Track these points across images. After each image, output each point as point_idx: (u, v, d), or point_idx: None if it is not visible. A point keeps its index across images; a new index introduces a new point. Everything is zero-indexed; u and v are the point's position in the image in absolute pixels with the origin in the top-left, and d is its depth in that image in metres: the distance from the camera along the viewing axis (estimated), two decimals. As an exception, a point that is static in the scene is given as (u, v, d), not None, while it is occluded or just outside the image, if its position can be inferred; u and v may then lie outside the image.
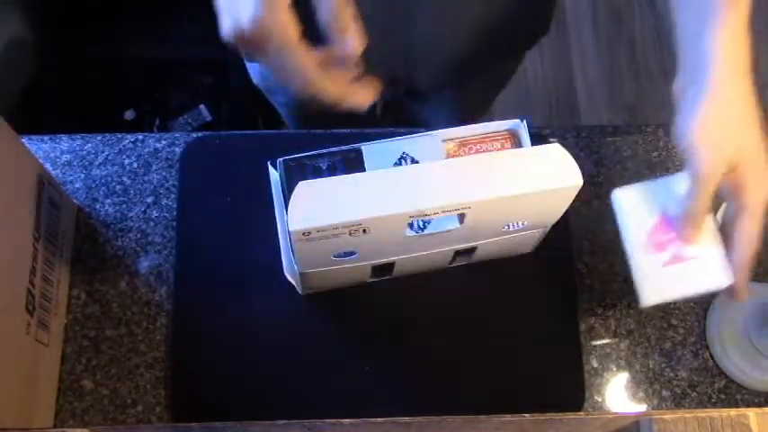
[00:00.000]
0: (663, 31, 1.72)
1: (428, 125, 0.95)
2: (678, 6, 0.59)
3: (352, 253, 0.57)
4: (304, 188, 0.50)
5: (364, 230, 0.52)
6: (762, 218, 0.57)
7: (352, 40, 0.45)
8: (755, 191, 0.56)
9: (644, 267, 0.60)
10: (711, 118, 0.56)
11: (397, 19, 0.72)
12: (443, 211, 0.52)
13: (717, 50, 0.56)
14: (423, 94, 0.94)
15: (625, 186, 0.62)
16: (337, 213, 0.50)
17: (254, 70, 0.92)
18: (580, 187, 0.53)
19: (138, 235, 0.70)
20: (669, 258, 0.60)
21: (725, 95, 0.56)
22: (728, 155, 0.56)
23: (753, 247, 0.57)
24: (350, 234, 0.52)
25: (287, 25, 0.44)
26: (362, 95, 0.48)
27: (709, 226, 0.60)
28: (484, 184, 0.52)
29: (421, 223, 0.57)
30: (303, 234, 0.50)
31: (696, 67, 0.57)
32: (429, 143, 0.60)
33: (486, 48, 0.79)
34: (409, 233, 0.56)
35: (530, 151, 0.54)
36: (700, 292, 0.60)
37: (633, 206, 0.61)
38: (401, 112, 1.07)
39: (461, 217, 0.55)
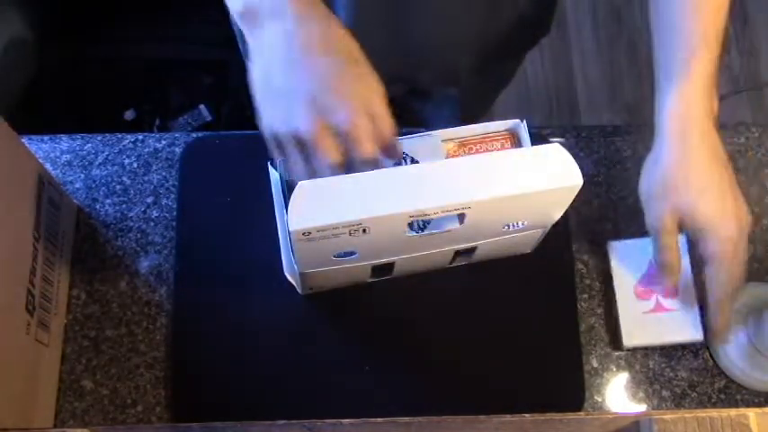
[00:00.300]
0: (663, 31, 1.72)
1: (429, 124, 0.95)
2: (655, 65, 0.63)
3: (352, 253, 0.57)
4: (304, 188, 0.50)
5: (364, 230, 0.52)
6: (728, 263, 0.61)
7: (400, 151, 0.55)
8: (714, 242, 0.60)
9: (628, 312, 0.67)
10: (663, 177, 0.61)
11: (399, 18, 0.72)
12: (443, 211, 0.52)
13: (671, 117, 0.61)
14: (425, 92, 0.94)
15: (619, 240, 0.70)
16: (337, 213, 0.50)
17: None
18: (580, 187, 0.53)
19: (138, 235, 0.70)
20: (652, 307, 0.67)
21: (678, 157, 0.61)
22: (679, 210, 0.60)
23: (724, 293, 0.62)
24: (350, 234, 0.52)
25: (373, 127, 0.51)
26: None
27: (690, 280, 0.67)
28: (484, 184, 0.52)
29: (421, 223, 0.57)
30: (303, 234, 0.50)
31: (658, 129, 0.62)
32: (429, 143, 0.60)
33: (487, 48, 0.79)
34: (409, 233, 0.56)
35: (530, 151, 0.54)
36: (676, 342, 0.68)
37: (624, 256, 0.69)
38: (402, 112, 1.07)
39: (461, 217, 0.55)
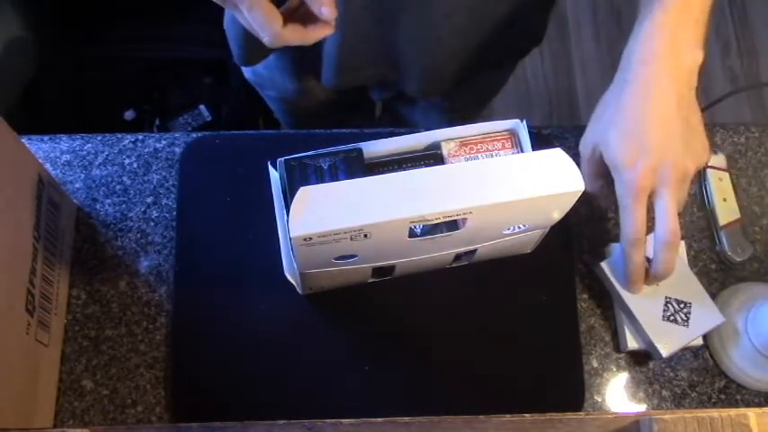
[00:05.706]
0: (663, 31, 1.72)
1: (418, 128, 0.95)
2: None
3: (353, 256, 0.57)
4: (305, 193, 0.50)
5: (365, 235, 0.51)
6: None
7: (328, 11, 0.51)
8: (670, 200, 0.57)
9: (627, 316, 0.67)
10: (625, 132, 0.58)
11: (383, 23, 0.72)
12: (445, 217, 0.52)
13: (642, 54, 0.59)
14: (412, 99, 0.94)
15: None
16: (339, 219, 0.49)
17: (246, 68, 0.93)
18: (582, 192, 0.53)
19: (138, 235, 0.70)
20: None
21: (639, 109, 0.58)
22: (654, 161, 0.56)
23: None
24: (351, 239, 0.51)
25: None
26: (315, 35, 0.54)
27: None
28: (485, 189, 0.51)
29: (422, 228, 0.57)
30: (304, 240, 0.50)
31: (625, 63, 0.60)
32: None
33: (472, 58, 0.79)
34: (410, 238, 0.56)
35: (532, 156, 0.54)
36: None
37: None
38: (390, 115, 1.07)
39: (463, 221, 0.55)
